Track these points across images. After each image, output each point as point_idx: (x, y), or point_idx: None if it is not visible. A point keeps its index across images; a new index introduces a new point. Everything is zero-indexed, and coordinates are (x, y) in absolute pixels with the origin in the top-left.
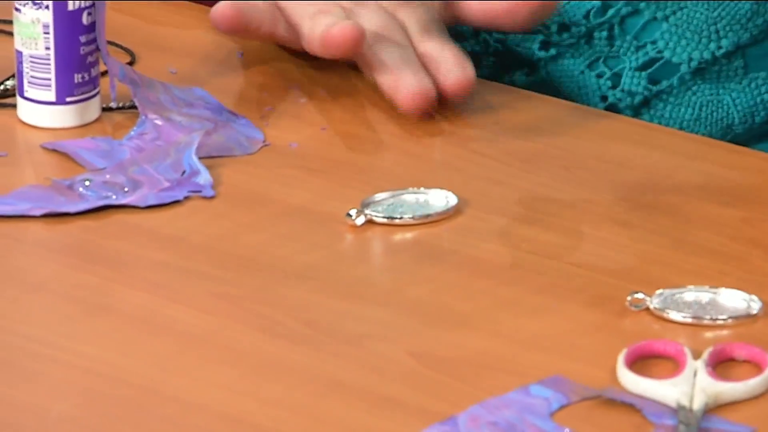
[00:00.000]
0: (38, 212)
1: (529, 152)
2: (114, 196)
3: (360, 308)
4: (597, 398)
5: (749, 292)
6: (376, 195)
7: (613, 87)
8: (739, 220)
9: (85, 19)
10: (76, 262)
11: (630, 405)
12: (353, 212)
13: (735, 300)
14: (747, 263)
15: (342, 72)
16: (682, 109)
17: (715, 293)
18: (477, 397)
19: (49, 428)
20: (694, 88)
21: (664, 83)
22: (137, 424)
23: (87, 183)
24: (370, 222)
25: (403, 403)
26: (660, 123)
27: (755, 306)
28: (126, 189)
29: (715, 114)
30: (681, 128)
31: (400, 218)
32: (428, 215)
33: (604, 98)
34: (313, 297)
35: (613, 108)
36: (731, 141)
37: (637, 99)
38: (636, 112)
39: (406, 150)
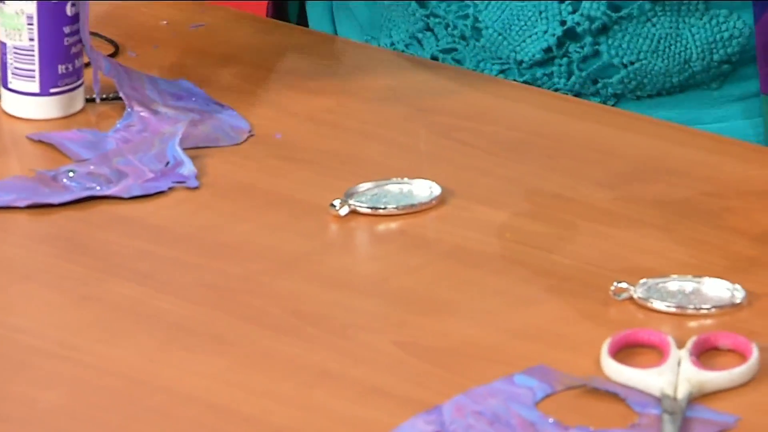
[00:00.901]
0: (23, 203)
1: (514, 142)
2: (98, 187)
3: (346, 298)
4: (581, 387)
5: (733, 281)
6: (360, 185)
7: (573, 12)
8: (722, 209)
9: (68, 11)
10: (61, 252)
11: (614, 394)
12: (337, 203)
13: (719, 289)
14: (730, 252)
15: (326, 63)
16: (641, 40)
17: (698, 282)
18: (462, 386)
19: (37, 418)
20: (654, 19)
21: (624, 10)
22: (125, 414)
23: (71, 174)
24: (354, 212)
25: (389, 393)
26: (617, 53)
27: (739, 295)
28: (110, 180)
29: (673, 47)
30: (638, 59)
31: (384, 208)
32: (412, 205)
33: (563, 22)
34: (300, 287)
35: (571, 32)
36: (689, 80)
37: (596, 24)
38: (594, 38)
39: (391, 140)
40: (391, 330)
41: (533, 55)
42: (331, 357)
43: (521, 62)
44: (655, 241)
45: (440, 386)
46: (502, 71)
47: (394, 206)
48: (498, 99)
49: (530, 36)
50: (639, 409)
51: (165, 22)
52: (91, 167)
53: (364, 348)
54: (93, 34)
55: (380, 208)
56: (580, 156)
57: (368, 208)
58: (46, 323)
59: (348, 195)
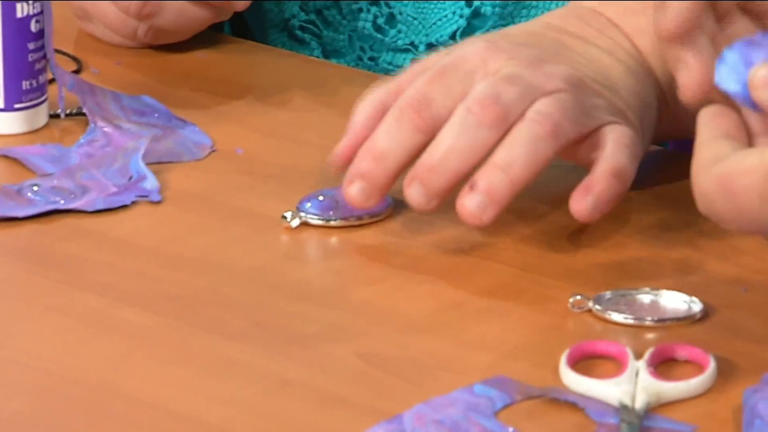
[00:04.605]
0: None
1: None
2: (62, 201)
3: (307, 309)
4: (540, 397)
5: (690, 294)
6: (312, 195)
7: None
8: (680, 223)
9: (33, 27)
10: (26, 264)
11: (573, 404)
12: (288, 214)
13: (676, 301)
14: (688, 266)
15: (286, 78)
16: None
17: (656, 295)
18: (423, 396)
19: (1, 426)
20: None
21: None
22: (89, 421)
23: (35, 188)
24: (305, 224)
25: (350, 402)
26: None
27: (696, 307)
28: (73, 194)
29: None
30: None
31: (335, 220)
32: (360, 218)
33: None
34: (261, 298)
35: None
36: None
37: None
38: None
39: None
40: (352, 341)
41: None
42: (292, 367)
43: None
44: (613, 254)
45: (401, 396)
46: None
47: (341, 219)
48: None
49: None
50: (597, 418)
51: (119, 63)
52: (55, 181)
53: (325, 358)
54: (56, 50)
55: (332, 220)
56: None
57: (320, 219)
58: (10, 333)
59: (300, 207)
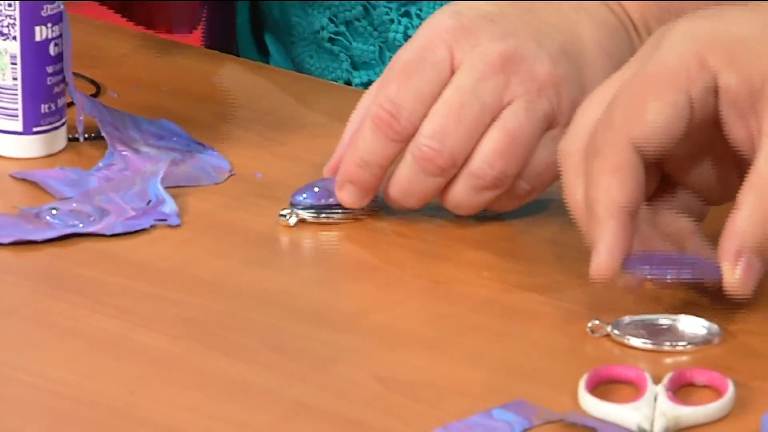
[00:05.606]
0: (6, 240)
1: None
2: (81, 224)
3: (326, 333)
4: (559, 422)
5: (708, 320)
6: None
7: None
8: None
9: (52, 50)
10: (44, 288)
11: (592, 429)
12: (286, 212)
13: (694, 326)
14: (706, 291)
15: (304, 103)
16: None
17: (674, 320)
18: (441, 420)
19: None
20: None
21: None
22: None
23: (54, 211)
24: (302, 221)
25: (369, 426)
26: None
27: (714, 332)
28: (92, 217)
29: None
30: None
31: (327, 217)
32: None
33: None
34: (279, 322)
35: None
36: None
37: None
38: None
39: None
40: (371, 364)
41: None
42: (311, 391)
43: None
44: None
45: (420, 420)
46: None
47: (336, 215)
48: None
49: None
50: None
51: (137, 88)
52: (74, 205)
53: (344, 382)
54: (75, 74)
55: (322, 216)
56: (551, 192)
57: (312, 215)
58: (28, 357)
59: (294, 204)
